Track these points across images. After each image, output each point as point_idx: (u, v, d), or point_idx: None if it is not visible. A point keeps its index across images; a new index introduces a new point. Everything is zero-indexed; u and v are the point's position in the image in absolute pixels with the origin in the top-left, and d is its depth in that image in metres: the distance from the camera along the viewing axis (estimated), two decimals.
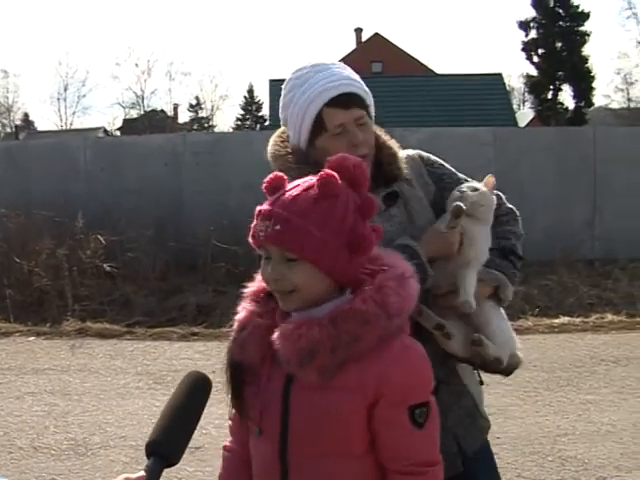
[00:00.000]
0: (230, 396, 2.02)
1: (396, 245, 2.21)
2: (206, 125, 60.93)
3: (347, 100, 2.32)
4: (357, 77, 2.41)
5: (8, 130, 55.29)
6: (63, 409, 6.66)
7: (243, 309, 2.03)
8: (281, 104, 2.44)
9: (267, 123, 39.10)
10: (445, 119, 23.28)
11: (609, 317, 9.63)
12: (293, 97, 2.37)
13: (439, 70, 41.01)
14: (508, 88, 39.22)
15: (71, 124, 58.84)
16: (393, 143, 2.47)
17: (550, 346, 8.46)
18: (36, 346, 8.76)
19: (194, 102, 62.69)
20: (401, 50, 42.18)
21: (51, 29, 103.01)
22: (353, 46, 45.07)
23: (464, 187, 2.38)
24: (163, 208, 11.94)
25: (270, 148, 2.48)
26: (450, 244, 2.32)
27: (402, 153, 2.48)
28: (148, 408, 6.57)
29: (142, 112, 56.53)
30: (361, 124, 2.33)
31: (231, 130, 53.47)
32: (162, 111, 59.01)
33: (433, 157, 2.59)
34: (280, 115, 2.46)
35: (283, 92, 2.43)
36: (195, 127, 59.85)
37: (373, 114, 2.41)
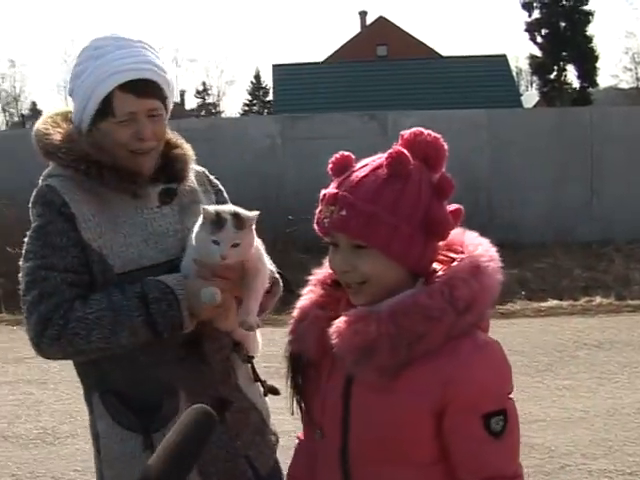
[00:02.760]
0: (290, 390, 1.90)
1: (152, 281, 2.05)
2: (213, 111, 60.85)
3: (144, 87, 2.09)
4: (161, 62, 2.18)
5: (16, 119, 55.35)
6: (37, 398, 6.66)
7: (306, 297, 1.88)
8: (72, 73, 2.17)
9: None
10: (450, 102, 23.07)
11: (598, 300, 9.54)
12: (85, 69, 2.11)
13: (445, 53, 40.70)
14: (515, 69, 39.04)
15: None
16: (187, 147, 2.30)
17: (535, 330, 8.41)
18: (19, 335, 8.70)
19: (201, 88, 62.66)
20: (406, 33, 41.85)
21: (57, 18, 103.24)
22: (358, 29, 44.77)
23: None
24: None
25: (38, 125, 2.20)
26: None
27: (194, 161, 2.30)
28: None
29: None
30: (153, 115, 2.12)
31: (238, 115, 53.38)
32: None
33: (216, 180, 2.43)
34: (69, 84, 2.20)
35: (76, 59, 2.17)
36: (203, 113, 59.81)
37: (171, 106, 2.21)
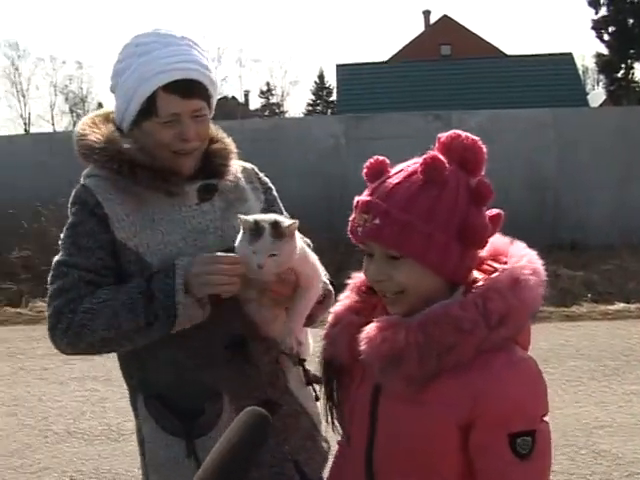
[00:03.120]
0: (323, 395, 1.87)
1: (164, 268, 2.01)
2: (277, 111, 61.13)
3: (189, 88, 2.05)
4: (206, 60, 2.13)
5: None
6: (102, 395, 6.73)
7: (341, 302, 1.83)
8: (113, 70, 2.13)
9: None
10: (514, 101, 22.82)
11: None
12: (129, 66, 2.06)
13: (509, 52, 40.26)
14: (581, 68, 38.38)
15: None
16: (228, 141, 2.25)
17: (602, 333, 8.23)
18: None
19: (265, 88, 62.98)
20: (470, 32, 41.59)
21: (122, 19, 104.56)
22: (421, 29, 44.67)
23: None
24: None
25: (77, 127, 2.19)
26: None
27: (236, 155, 2.26)
28: None
29: (214, 97, 56.97)
30: (198, 116, 2.08)
31: (302, 116, 53.55)
32: (233, 98, 59.47)
33: (266, 179, 2.36)
34: (110, 81, 2.16)
35: (119, 56, 2.12)
36: (266, 113, 60.13)
37: (214, 105, 2.16)
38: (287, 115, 56.69)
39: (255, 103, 64.47)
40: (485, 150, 1.68)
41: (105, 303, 1.99)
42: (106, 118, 2.20)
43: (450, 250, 1.61)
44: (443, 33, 39.62)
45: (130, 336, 2.00)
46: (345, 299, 1.83)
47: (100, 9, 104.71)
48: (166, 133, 2.05)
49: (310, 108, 62.61)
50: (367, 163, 1.72)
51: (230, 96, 59.54)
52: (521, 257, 1.67)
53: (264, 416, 1.31)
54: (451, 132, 1.70)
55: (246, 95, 61.41)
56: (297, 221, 1.99)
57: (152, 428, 2.13)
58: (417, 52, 37.02)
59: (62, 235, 2.12)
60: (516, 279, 1.61)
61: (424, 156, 1.65)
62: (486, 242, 1.67)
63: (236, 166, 2.27)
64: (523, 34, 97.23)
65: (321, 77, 62.96)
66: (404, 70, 29.07)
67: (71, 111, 59.59)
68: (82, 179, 2.16)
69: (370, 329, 1.65)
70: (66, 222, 2.13)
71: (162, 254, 2.06)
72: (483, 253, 1.71)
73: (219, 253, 2.01)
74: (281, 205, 2.33)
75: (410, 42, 42.67)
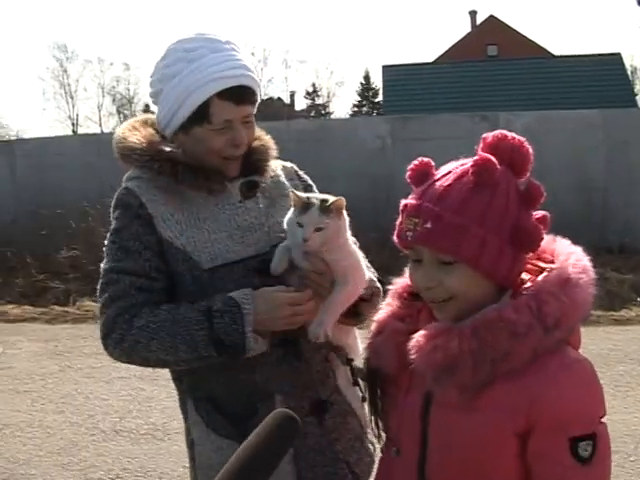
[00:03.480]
0: (368, 405, 1.86)
1: (220, 295, 1.99)
2: (323, 112, 61.14)
3: (242, 94, 2.07)
4: (251, 64, 2.14)
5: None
6: (148, 394, 6.78)
7: (383, 310, 1.82)
8: (157, 75, 2.11)
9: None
10: (561, 102, 22.57)
11: None
12: (178, 72, 2.05)
13: (557, 52, 39.83)
14: (630, 68, 37.82)
15: None
16: (267, 139, 2.26)
17: None
18: None
19: (310, 89, 63.00)
20: (517, 32, 41.18)
21: (169, 22, 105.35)
22: (468, 29, 44.33)
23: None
24: None
25: (117, 132, 2.20)
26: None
27: (275, 152, 2.26)
28: None
29: (259, 100, 57.24)
30: (247, 121, 2.10)
31: (348, 117, 53.51)
32: (279, 99, 59.61)
33: (306, 176, 2.37)
34: (150, 86, 2.15)
35: (164, 61, 2.10)
36: (312, 114, 60.18)
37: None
38: (333, 116, 56.63)
39: (301, 104, 64.48)
40: (531, 151, 1.66)
41: (163, 325, 1.97)
42: (145, 122, 2.21)
43: (503, 254, 1.58)
44: (489, 33, 39.30)
45: (188, 362, 2.01)
46: (387, 306, 1.82)
47: (147, 11, 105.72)
48: (218, 140, 2.06)
49: (356, 109, 62.44)
50: (411, 165, 1.69)
51: (276, 97, 59.74)
52: (568, 255, 1.64)
53: (293, 419, 1.26)
54: (497, 132, 1.67)
55: (292, 96, 61.47)
56: (344, 198, 2.00)
57: (202, 431, 2.13)
58: (463, 53, 36.80)
59: (107, 242, 2.12)
60: (567, 279, 1.58)
61: (474, 158, 1.62)
62: (538, 246, 1.64)
63: (276, 164, 2.29)
64: (570, 34, 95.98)
65: (367, 78, 62.76)
66: (450, 71, 28.88)
67: (118, 112, 60.13)
68: (124, 182, 2.17)
69: (419, 337, 1.62)
70: (110, 226, 2.13)
71: (210, 252, 2.06)
72: None
73: (281, 293, 2.00)
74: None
75: (456, 43, 42.40)
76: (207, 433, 2.12)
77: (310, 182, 2.36)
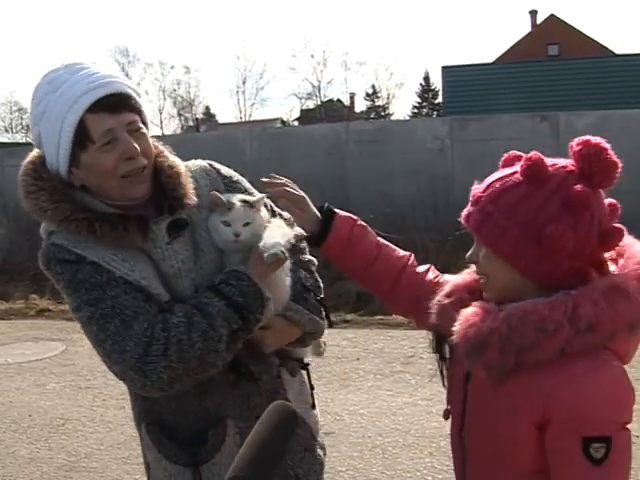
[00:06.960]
0: (437, 362, 1.95)
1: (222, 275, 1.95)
2: (382, 113, 61.06)
3: (114, 102, 1.89)
4: (123, 75, 2.00)
5: (190, 123, 57.43)
6: None
7: (463, 276, 1.91)
8: (32, 118, 1.95)
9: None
10: (624, 101, 22.18)
11: None
12: (46, 106, 1.90)
13: (618, 51, 39.27)
14: None
15: (250, 116, 60.47)
16: (173, 158, 2.08)
17: None
18: None
19: (370, 91, 62.97)
20: (578, 31, 40.66)
21: (229, 24, 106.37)
22: (528, 29, 43.86)
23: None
24: (327, 197, 11.99)
25: (20, 178, 1.99)
26: None
27: (185, 168, 2.09)
28: None
29: (319, 102, 57.46)
30: (134, 130, 1.93)
31: (407, 118, 53.35)
32: (339, 101, 59.75)
33: (227, 170, 2.21)
34: (31, 134, 1.98)
35: (33, 101, 1.94)
36: (372, 115, 60.15)
37: (147, 120, 2.01)
38: (392, 118, 56.50)
39: (361, 106, 64.56)
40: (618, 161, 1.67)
41: (193, 315, 1.88)
42: (43, 163, 2.00)
43: (543, 259, 1.63)
44: (550, 33, 38.88)
45: (226, 341, 1.89)
46: (466, 275, 1.89)
47: (207, 14, 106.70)
48: (108, 157, 1.90)
49: (416, 110, 62.32)
50: (506, 155, 1.78)
51: (335, 99, 59.83)
52: (631, 261, 1.68)
53: (291, 410, 1.35)
54: (585, 139, 1.68)
55: (351, 98, 61.49)
56: (264, 195, 2.09)
57: (155, 457, 2.10)
58: (524, 53, 36.45)
59: (67, 300, 1.96)
60: (615, 287, 1.62)
61: (527, 165, 1.67)
62: (568, 252, 1.62)
63: (193, 170, 2.15)
64: (632, 32, 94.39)
65: (427, 79, 62.66)
66: (511, 71, 28.63)
67: (179, 115, 60.95)
68: (45, 237, 2.01)
69: (465, 312, 1.71)
70: (59, 285, 1.96)
71: (163, 284, 1.98)
72: None
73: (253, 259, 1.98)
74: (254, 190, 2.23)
75: (517, 42, 42.03)
76: (159, 459, 2.08)
77: (235, 177, 2.21)
